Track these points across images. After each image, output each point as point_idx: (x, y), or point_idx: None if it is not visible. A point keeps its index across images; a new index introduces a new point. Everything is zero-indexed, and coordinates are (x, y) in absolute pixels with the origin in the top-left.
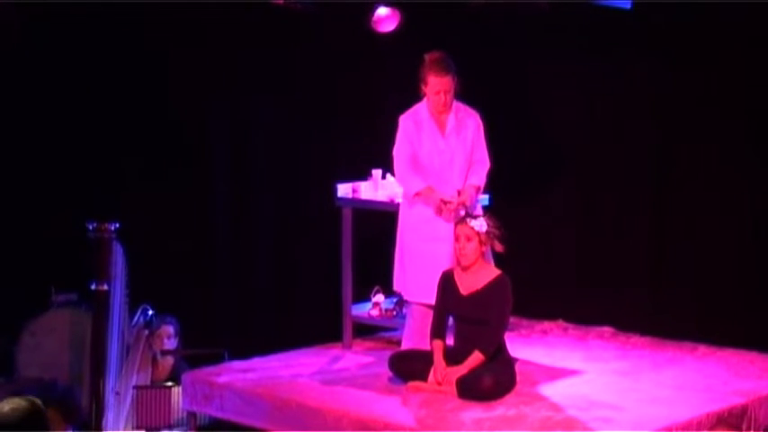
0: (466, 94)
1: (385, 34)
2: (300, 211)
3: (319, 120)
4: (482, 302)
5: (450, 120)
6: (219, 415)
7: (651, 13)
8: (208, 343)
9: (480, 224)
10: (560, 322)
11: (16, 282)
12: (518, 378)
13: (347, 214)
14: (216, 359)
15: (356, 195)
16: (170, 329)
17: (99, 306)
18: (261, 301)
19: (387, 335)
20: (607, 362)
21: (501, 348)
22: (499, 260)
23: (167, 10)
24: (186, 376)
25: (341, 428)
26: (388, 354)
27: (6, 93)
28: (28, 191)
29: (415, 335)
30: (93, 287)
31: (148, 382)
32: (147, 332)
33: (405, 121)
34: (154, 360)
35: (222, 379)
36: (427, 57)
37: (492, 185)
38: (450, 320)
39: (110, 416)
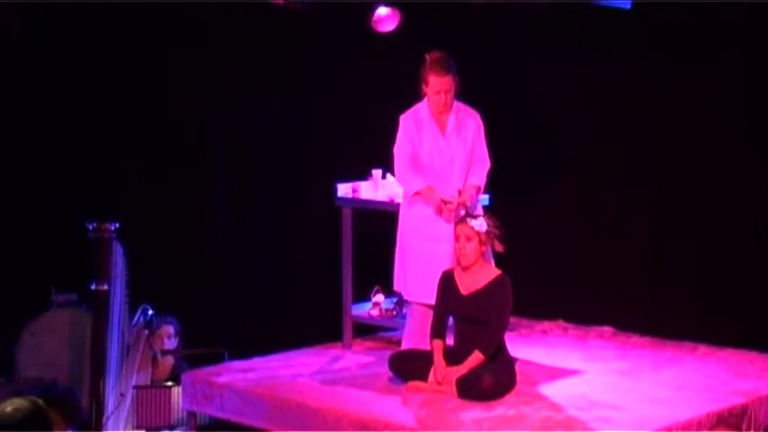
0: (466, 94)
1: (385, 34)
2: (300, 211)
3: (319, 120)
4: (482, 302)
5: (451, 120)
6: (219, 415)
7: (651, 13)
8: (208, 343)
9: (480, 224)
10: (560, 322)
11: (16, 282)
12: (518, 378)
13: (347, 214)
14: (216, 359)
15: (356, 195)
16: (170, 329)
17: (99, 306)
18: (261, 300)
19: (387, 335)
20: (607, 362)
21: (501, 348)
22: (499, 260)
23: (167, 10)
24: (186, 376)
25: (341, 428)
26: (388, 354)
27: (6, 93)
28: (28, 191)
29: (415, 335)
30: (93, 287)
31: (148, 382)
32: (147, 332)
33: (405, 120)
34: (154, 360)
35: (222, 379)
36: (428, 56)
37: (492, 185)
38: (451, 320)
39: (113, 417)
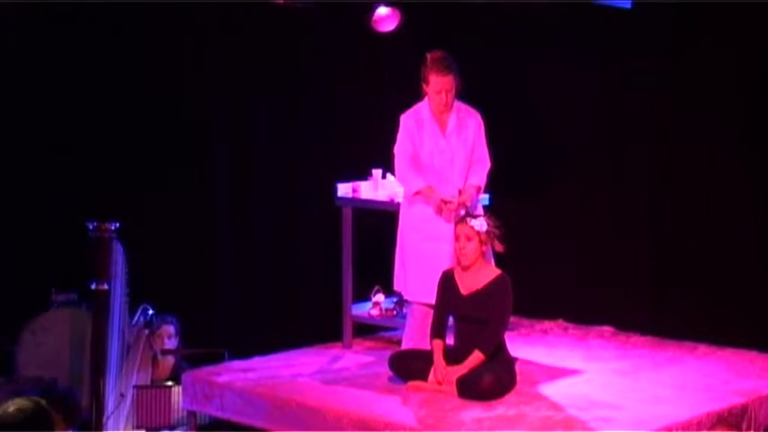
0: (466, 94)
1: (385, 34)
2: (300, 211)
3: (319, 120)
4: (482, 302)
5: (451, 119)
6: (219, 414)
7: (651, 13)
8: (208, 343)
9: (480, 224)
10: (560, 322)
11: (16, 281)
12: (518, 377)
13: (347, 214)
14: (216, 359)
15: (356, 195)
16: (170, 329)
17: (99, 305)
18: (261, 300)
19: (387, 334)
20: (607, 361)
21: (501, 348)
22: (499, 260)
23: (168, 10)
24: (186, 376)
25: (341, 428)
26: (388, 353)
27: (6, 93)
28: (28, 190)
29: (416, 334)
30: (93, 287)
31: (149, 382)
32: (147, 332)
33: (406, 119)
34: (154, 359)
35: (222, 379)
36: (429, 56)
37: (492, 185)
38: (451, 320)
39: (112, 416)
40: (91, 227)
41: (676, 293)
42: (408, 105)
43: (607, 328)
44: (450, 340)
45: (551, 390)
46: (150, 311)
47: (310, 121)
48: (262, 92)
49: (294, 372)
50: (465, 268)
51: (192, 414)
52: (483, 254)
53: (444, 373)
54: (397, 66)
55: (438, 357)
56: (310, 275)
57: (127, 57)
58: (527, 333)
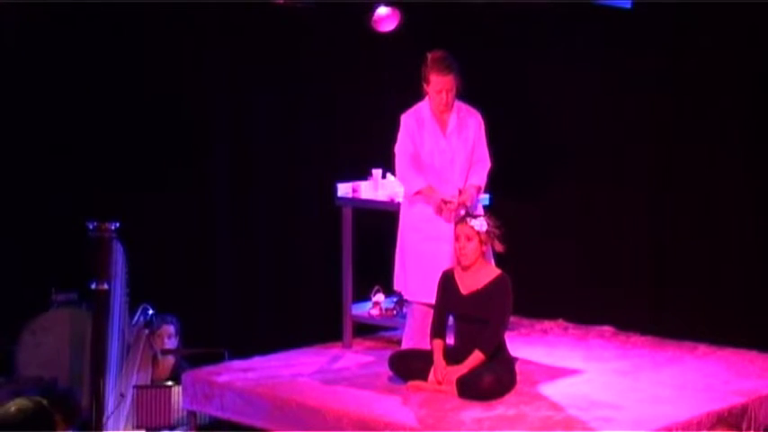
0: (466, 93)
1: (385, 34)
2: (300, 211)
3: (319, 120)
4: (482, 302)
5: (452, 119)
6: (220, 414)
7: (651, 13)
8: (208, 342)
9: (480, 224)
10: (561, 322)
11: (16, 281)
12: (518, 377)
13: (347, 214)
14: (216, 358)
15: (356, 195)
16: (170, 329)
17: (99, 305)
18: (261, 300)
19: (387, 334)
20: (607, 361)
21: (501, 348)
22: (499, 260)
23: (168, 10)
24: (186, 376)
25: (341, 428)
26: (388, 353)
27: (6, 93)
28: (28, 190)
29: (416, 334)
30: (93, 286)
31: (149, 382)
32: (147, 331)
33: (406, 119)
34: (154, 359)
35: (222, 378)
36: (429, 55)
37: (492, 185)
38: (451, 320)
39: (113, 416)
40: (91, 227)
41: (676, 293)
42: (408, 105)
43: (607, 328)
44: (450, 340)
45: (551, 390)
46: (150, 311)
47: (310, 121)
48: (262, 92)
49: (294, 372)
50: (465, 268)
51: (191, 414)
52: (483, 254)
53: (444, 373)
54: (397, 66)
55: (438, 357)
56: (310, 275)
57: (127, 57)
58: (527, 333)
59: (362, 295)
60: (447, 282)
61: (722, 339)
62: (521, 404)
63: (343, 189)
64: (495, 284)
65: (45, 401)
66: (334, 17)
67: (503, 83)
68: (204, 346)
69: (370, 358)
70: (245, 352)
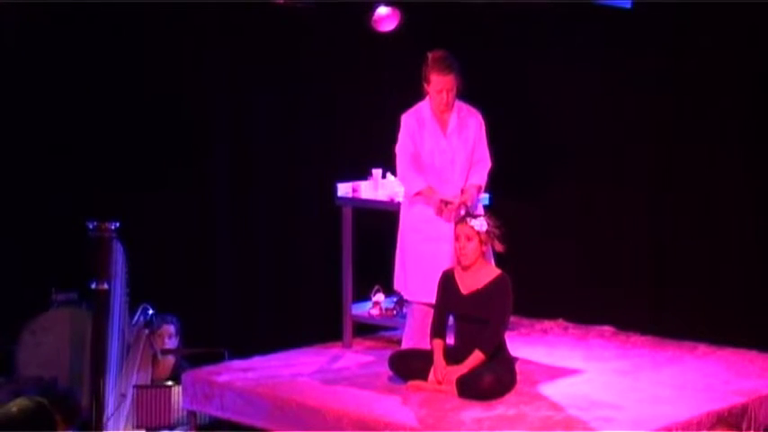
0: (466, 93)
1: (385, 34)
2: (300, 211)
3: (319, 120)
4: (482, 302)
5: (452, 119)
6: (220, 414)
7: (651, 13)
8: (208, 342)
9: (480, 224)
10: (561, 321)
11: (16, 281)
12: (518, 377)
13: (347, 214)
14: (216, 358)
15: (356, 195)
16: (170, 329)
17: (99, 305)
18: (261, 300)
19: (387, 334)
20: (607, 361)
21: (501, 347)
22: (499, 260)
23: (168, 10)
24: (186, 375)
25: (341, 428)
26: (388, 353)
27: (6, 93)
28: (28, 190)
29: (416, 334)
30: (93, 286)
31: (149, 382)
32: (147, 331)
33: (407, 119)
34: (154, 359)
35: (222, 378)
36: (430, 55)
37: (492, 185)
38: (451, 320)
39: (113, 416)
40: (91, 226)
41: (676, 293)
42: (409, 105)
43: (607, 328)
44: (450, 340)
45: (551, 390)
46: (150, 311)
47: (310, 121)
48: (262, 92)
49: (294, 372)
50: (465, 268)
51: (192, 414)
52: (483, 254)
53: (444, 373)
54: (397, 66)
55: (438, 357)
56: (310, 275)
57: (127, 57)
58: (527, 333)
59: (362, 295)
60: (447, 282)
61: (722, 339)
62: (521, 404)
63: (343, 189)
64: (495, 284)
65: (45, 401)
66: (334, 17)
67: (503, 83)
68: (204, 346)
69: (370, 358)
70: (245, 352)
